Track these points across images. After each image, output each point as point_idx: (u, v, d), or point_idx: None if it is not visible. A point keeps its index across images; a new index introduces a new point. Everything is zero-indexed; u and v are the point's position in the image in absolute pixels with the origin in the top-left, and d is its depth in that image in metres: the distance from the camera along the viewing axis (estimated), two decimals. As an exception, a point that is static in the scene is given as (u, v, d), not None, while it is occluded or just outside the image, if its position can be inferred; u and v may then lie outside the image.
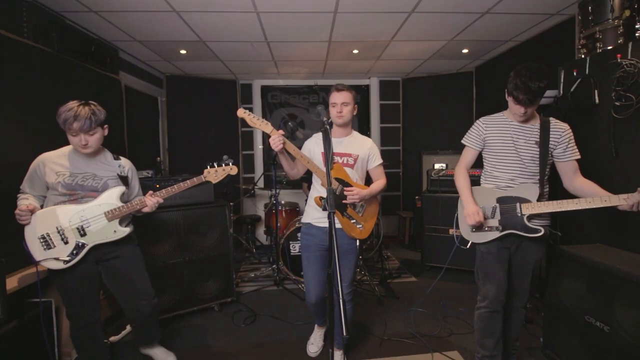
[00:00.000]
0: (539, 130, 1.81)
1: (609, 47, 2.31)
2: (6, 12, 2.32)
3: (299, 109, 5.46)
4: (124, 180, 1.89)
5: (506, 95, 1.80)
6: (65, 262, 1.72)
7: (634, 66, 2.04)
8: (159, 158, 4.22)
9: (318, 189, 2.06)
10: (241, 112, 1.80)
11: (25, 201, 1.72)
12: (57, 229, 1.71)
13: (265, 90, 5.41)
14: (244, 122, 5.62)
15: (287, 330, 2.65)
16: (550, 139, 1.79)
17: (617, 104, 2.13)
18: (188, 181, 1.86)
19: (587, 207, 1.66)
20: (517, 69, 1.72)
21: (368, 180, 2.19)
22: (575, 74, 2.45)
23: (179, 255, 2.73)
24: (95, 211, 1.76)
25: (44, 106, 2.46)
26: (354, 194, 1.94)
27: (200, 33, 3.38)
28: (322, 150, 1.96)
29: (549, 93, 2.56)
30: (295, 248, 3.52)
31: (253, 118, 1.80)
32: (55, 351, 2.06)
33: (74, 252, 1.73)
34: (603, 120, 2.26)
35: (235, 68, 4.74)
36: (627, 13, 2.26)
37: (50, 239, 1.70)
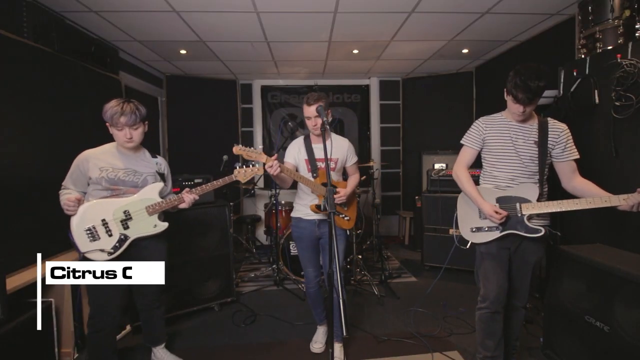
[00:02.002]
0: (537, 130, 1.82)
1: (609, 47, 2.31)
2: (6, 12, 2.31)
3: (299, 109, 5.45)
4: (161, 176, 2.00)
5: (505, 95, 1.80)
6: (110, 253, 1.78)
7: (634, 66, 2.04)
8: (159, 158, 4.21)
9: (308, 194, 2.20)
10: (237, 150, 1.85)
11: (71, 195, 1.78)
12: (102, 221, 1.78)
13: (265, 90, 5.41)
14: (243, 122, 5.62)
15: (287, 330, 2.66)
16: (549, 139, 1.80)
17: (617, 104, 2.14)
18: (220, 180, 1.96)
19: (587, 208, 1.66)
20: (516, 69, 1.72)
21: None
22: (575, 74, 2.45)
23: (179, 255, 2.72)
24: (138, 205, 1.84)
25: (43, 106, 2.46)
26: (341, 196, 2.14)
27: (200, 33, 3.38)
28: (306, 157, 2.18)
29: (548, 93, 2.56)
30: (295, 248, 3.52)
31: (248, 151, 1.86)
32: (55, 351, 2.06)
33: (117, 244, 1.80)
34: (603, 120, 2.26)
35: (235, 68, 4.74)
36: (627, 13, 2.26)
37: (96, 231, 1.77)
